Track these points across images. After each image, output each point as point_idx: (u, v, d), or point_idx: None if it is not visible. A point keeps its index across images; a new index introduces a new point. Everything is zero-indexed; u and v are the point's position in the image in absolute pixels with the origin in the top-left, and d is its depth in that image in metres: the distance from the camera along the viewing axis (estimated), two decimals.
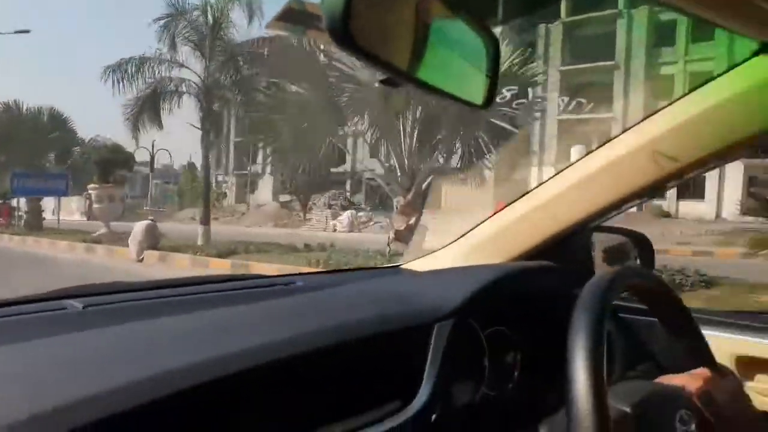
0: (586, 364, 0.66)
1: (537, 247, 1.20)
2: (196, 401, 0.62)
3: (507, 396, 1.00)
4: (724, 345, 0.93)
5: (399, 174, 11.28)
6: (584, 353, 0.66)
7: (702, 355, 0.88)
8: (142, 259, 11.73)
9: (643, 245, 1.39)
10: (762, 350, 1.10)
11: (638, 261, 1.38)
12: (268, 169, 31.00)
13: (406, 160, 11.15)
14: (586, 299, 0.72)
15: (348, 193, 31.64)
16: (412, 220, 10.61)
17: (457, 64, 0.64)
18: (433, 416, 0.80)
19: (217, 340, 0.73)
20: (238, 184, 38.60)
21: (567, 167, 1.22)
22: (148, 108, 14.80)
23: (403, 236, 10.35)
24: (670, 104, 1.06)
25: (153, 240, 12.14)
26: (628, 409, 0.74)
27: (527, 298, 1.05)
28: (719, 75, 0.97)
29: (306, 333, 0.77)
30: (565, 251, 1.20)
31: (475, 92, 0.69)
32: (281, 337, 0.75)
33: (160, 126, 15.08)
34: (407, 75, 0.56)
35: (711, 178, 26.94)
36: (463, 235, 1.33)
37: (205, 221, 14.31)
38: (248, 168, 36.54)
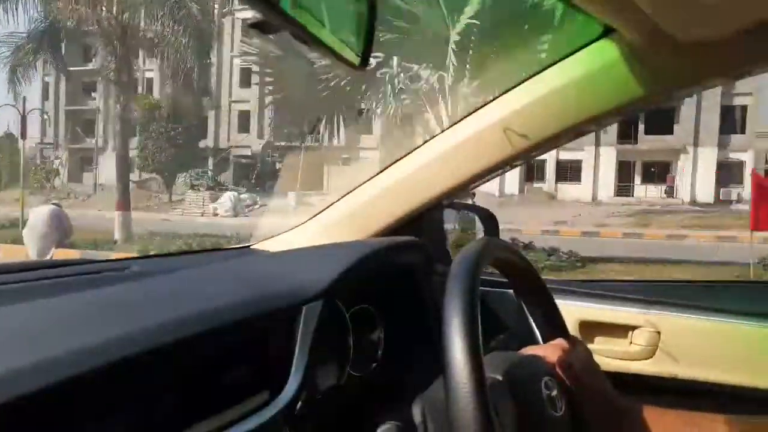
0: (463, 334, 0.64)
1: (393, 224, 1.19)
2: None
3: (372, 375, 0.97)
4: (570, 311, 0.99)
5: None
6: (461, 323, 0.65)
7: (556, 325, 0.93)
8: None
9: (489, 221, 1.45)
10: (601, 315, 1.19)
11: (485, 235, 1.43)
12: (112, 142, 26.62)
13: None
14: (458, 271, 0.71)
15: (211, 172, 28.66)
16: None
17: (336, 15, 0.58)
18: (298, 404, 0.74)
19: (30, 343, 0.59)
20: (73, 159, 33.93)
21: (422, 144, 1.22)
22: None
23: None
24: (520, 83, 1.10)
25: (62, 234, 8.51)
26: (500, 377, 0.74)
27: (390, 275, 1.03)
28: (566, 56, 1.02)
29: (146, 326, 0.65)
30: (421, 227, 1.20)
31: (352, 50, 0.63)
32: (114, 334, 0.62)
33: None
34: (285, 16, 0.49)
35: (587, 162, 29.97)
36: (317, 214, 1.27)
37: (125, 206, 11.95)
38: (92, 141, 31.94)
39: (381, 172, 1.23)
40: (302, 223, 1.28)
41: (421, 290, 1.05)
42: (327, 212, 1.26)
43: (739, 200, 25.64)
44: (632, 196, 29.63)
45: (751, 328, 1.08)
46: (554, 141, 1.08)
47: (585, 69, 0.99)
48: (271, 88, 12.72)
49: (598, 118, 1.01)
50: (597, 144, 29.36)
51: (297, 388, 0.72)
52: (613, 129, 28.15)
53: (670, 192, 29.42)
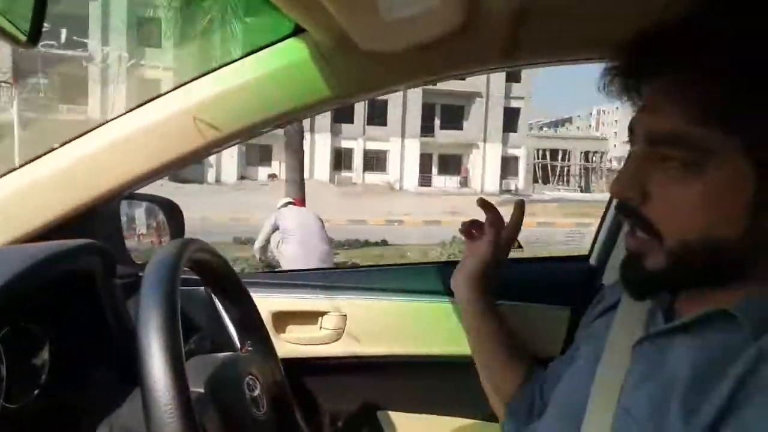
0: (164, 349, 0.58)
1: (55, 222, 1.00)
2: None
3: (38, 403, 0.82)
4: (263, 303, 1.00)
5: None
6: (161, 337, 0.59)
7: (253, 322, 0.92)
8: None
9: (172, 212, 1.36)
10: (292, 304, 1.23)
11: (168, 228, 1.34)
12: None
13: None
14: (154, 277, 0.64)
15: None
16: None
17: None
18: None
19: None
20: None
21: (92, 129, 1.06)
22: None
23: None
24: (210, 72, 1.04)
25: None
26: (201, 390, 0.70)
27: (60, 284, 0.88)
28: (259, 49, 1.00)
29: None
30: (93, 225, 1.05)
31: (19, 28, 0.52)
32: None
33: None
34: None
35: (394, 153, 30.65)
36: None
37: None
38: None
39: (32, 160, 1.03)
40: None
41: (101, 299, 0.92)
42: None
43: (516, 191, 30.76)
44: (432, 186, 32.30)
45: (421, 304, 1.25)
46: (246, 133, 1.05)
47: (277, 64, 0.99)
48: None
49: (288, 114, 1.02)
50: (403, 136, 31.17)
51: None
52: (416, 121, 30.46)
53: (464, 182, 33.22)
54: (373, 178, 31.70)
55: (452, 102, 32.53)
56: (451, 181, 34.06)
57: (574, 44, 0.97)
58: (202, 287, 1.10)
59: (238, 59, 1.02)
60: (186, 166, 1.13)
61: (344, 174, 31.54)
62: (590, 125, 78.00)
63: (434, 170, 34.46)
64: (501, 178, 34.18)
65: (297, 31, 0.95)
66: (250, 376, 0.78)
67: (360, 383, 1.26)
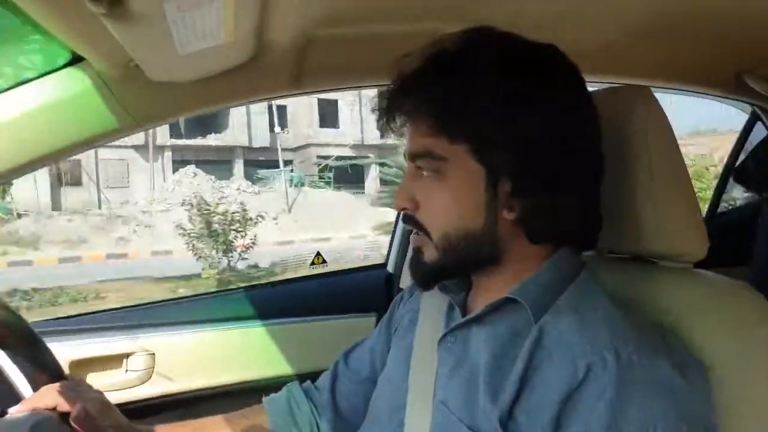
0: None
1: None
2: None
3: None
4: (61, 353, 0.92)
5: None
6: None
7: (52, 373, 0.84)
8: None
9: None
10: (93, 349, 1.14)
11: None
12: None
13: None
14: None
15: None
16: None
17: None
18: None
19: None
20: None
21: None
22: None
23: None
24: None
25: None
26: None
27: None
28: (31, 80, 0.92)
29: None
30: None
31: None
32: None
33: None
34: None
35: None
36: None
37: None
38: None
39: None
40: None
41: None
42: None
43: None
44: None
45: (232, 332, 1.24)
46: (18, 172, 0.95)
47: (54, 96, 0.92)
48: None
49: (69, 148, 0.95)
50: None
51: None
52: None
53: None
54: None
55: None
56: None
57: (360, 70, 1.05)
58: None
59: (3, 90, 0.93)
60: None
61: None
62: None
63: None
64: None
65: (75, 60, 0.90)
66: None
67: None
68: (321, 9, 0.88)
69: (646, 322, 0.68)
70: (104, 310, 1.25)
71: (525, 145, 0.64)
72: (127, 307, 1.21)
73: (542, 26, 0.76)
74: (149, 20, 0.68)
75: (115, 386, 1.16)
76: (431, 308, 0.80)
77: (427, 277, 0.72)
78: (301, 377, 1.10)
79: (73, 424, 0.73)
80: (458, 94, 0.65)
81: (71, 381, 0.84)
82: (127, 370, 1.17)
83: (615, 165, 0.74)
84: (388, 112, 0.70)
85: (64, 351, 1.07)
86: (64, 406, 0.75)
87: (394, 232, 1.54)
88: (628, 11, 0.96)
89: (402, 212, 0.73)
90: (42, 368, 0.83)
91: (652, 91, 0.79)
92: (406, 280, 1.44)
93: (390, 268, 1.51)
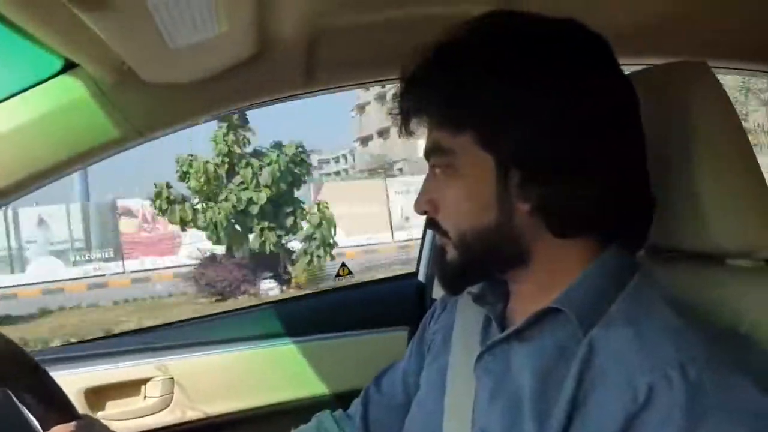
0: None
1: None
2: None
3: None
4: (72, 382, 0.86)
5: None
6: None
7: (60, 407, 0.78)
8: None
9: None
10: (109, 376, 1.08)
11: None
12: None
13: None
14: None
15: None
16: None
17: None
18: None
19: None
20: None
21: None
22: None
23: None
24: None
25: None
26: None
27: None
28: (22, 90, 0.86)
29: None
30: None
31: None
32: None
33: None
34: None
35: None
36: None
37: None
38: None
39: None
40: None
41: None
42: None
43: None
44: None
45: (255, 351, 1.16)
46: (20, 188, 0.90)
47: (48, 106, 0.86)
48: None
49: (67, 163, 0.89)
50: None
51: None
52: None
53: None
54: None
55: None
56: None
57: (380, 62, 0.97)
58: None
59: None
60: None
61: None
62: None
63: None
64: None
65: (68, 67, 0.84)
66: None
67: None
68: None
69: (716, 331, 0.62)
70: (120, 334, 1.20)
71: (533, 128, 0.58)
72: (144, 329, 1.15)
73: (579, 6, 0.67)
74: (132, 10, 0.61)
75: (132, 414, 1.10)
76: (466, 323, 0.73)
77: (451, 279, 0.68)
78: (331, 397, 1.02)
79: None
80: (460, 81, 0.61)
81: (84, 421, 0.78)
82: (145, 397, 1.11)
83: (671, 149, 0.65)
84: (401, 113, 0.66)
85: (79, 379, 1.01)
86: None
87: (423, 238, 1.45)
88: None
89: (426, 216, 0.69)
90: (50, 405, 0.76)
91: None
92: (438, 291, 1.35)
93: (421, 277, 1.42)
